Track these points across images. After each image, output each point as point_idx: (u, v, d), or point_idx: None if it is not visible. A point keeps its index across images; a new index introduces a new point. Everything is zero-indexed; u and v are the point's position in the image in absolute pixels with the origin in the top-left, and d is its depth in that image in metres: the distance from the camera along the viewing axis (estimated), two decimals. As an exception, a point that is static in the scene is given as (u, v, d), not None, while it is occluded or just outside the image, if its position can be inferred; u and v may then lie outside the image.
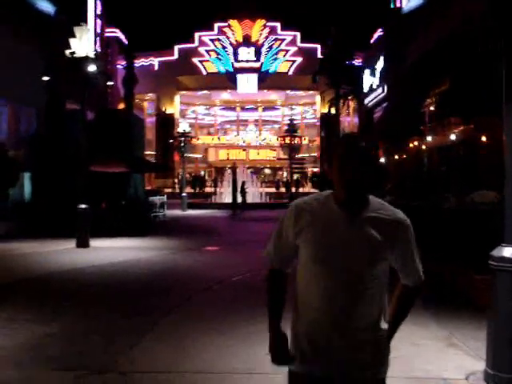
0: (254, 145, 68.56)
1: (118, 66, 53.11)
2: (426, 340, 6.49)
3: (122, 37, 53.97)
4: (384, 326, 2.46)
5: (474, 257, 7.81)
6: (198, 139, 65.48)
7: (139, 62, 56.77)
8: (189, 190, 44.83)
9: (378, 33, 40.24)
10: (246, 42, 63.99)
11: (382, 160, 28.92)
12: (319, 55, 54.27)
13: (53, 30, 24.10)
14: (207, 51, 63.60)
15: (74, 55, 14.45)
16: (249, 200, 33.95)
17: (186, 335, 6.71)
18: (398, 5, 35.59)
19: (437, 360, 5.82)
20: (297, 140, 50.81)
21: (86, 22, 29.53)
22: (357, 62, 45.04)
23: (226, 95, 68.70)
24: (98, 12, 47.83)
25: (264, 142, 68.68)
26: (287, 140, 47.05)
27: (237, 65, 63.90)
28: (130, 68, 44.79)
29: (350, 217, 2.37)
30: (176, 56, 62.53)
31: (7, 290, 9.52)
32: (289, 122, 52.65)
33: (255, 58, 64.16)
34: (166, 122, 59.71)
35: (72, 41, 14.50)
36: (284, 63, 64.21)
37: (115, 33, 53.07)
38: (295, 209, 2.48)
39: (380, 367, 2.46)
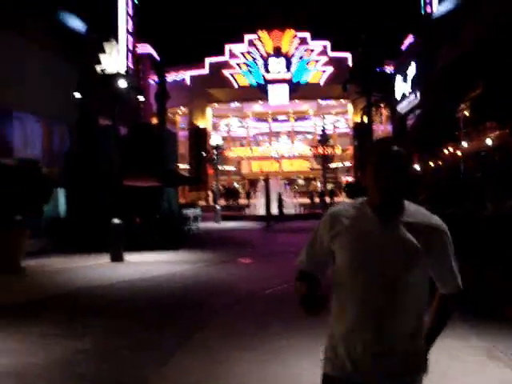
0: (286, 156, 68.41)
1: (150, 81, 53.72)
2: (465, 352, 6.27)
3: (154, 52, 54.57)
4: (422, 335, 2.41)
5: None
6: (230, 151, 65.72)
7: (171, 77, 57.37)
8: (222, 202, 44.92)
9: (409, 39, 39.93)
10: (277, 53, 64.10)
11: (417, 167, 28.55)
12: (350, 64, 54.12)
13: (84, 48, 24.50)
14: (238, 64, 63.90)
15: (105, 71, 14.60)
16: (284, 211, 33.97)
17: (218, 350, 6.62)
18: (428, 10, 35.30)
19: (476, 373, 5.62)
20: (329, 150, 50.69)
21: (117, 39, 29.94)
22: (388, 68, 44.70)
23: (257, 107, 68.80)
24: (130, 29, 48.56)
25: (297, 152, 68.51)
26: (320, 150, 46.97)
27: (268, 76, 64.02)
28: (162, 83, 45.21)
29: (384, 222, 2.35)
30: (207, 69, 62.99)
31: (40, 305, 9.58)
32: (321, 131, 52.59)
33: (286, 69, 64.19)
34: (198, 135, 60.12)
35: (102, 56, 14.67)
36: (315, 73, 64.08)
37: (147, 49, 53.71)
38: (331, 215, 2.47)
39: (415, 376, 2.40)
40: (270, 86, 63.68)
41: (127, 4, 48.39)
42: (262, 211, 34.01)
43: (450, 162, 22.99)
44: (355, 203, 2.48)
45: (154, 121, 48.16)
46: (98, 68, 14.76)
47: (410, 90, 34.68)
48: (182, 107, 62.66)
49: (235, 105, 67.28)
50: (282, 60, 64.15)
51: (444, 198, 18.53)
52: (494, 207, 12.29)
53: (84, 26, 27.04)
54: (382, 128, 53.77)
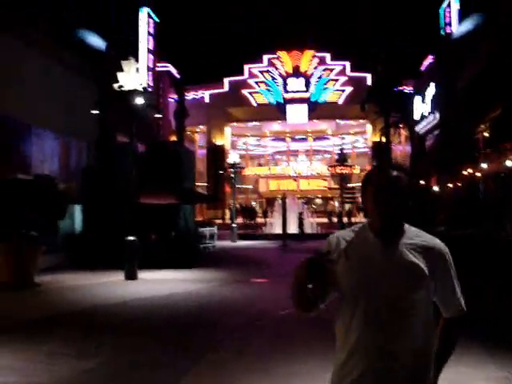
0: (304, 175, 68.33)
1: (169, 99, 54.08)
2: (483, 381, 6.06)
3: (174, 71, 54.97)
4: (429, 358, 2.36)
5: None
6: (248, 169, 65.77)
7: (190, 95, 57.70)
8: (240, 220, 44.85)
9: (429, 60, 39.83)
10: (296, 72, 64.20)
11: (436, 188, 28.29)
12: (369, 84, 54.05)
13: (103, 65, 24.76)
14: (257, 82, 64.14)
15: (122, 89, 14.68)
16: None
17: (230, 374, 6.52)
18: (448, 31, 35.22)
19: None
20: (347, 169, 50.50)
21: (137, 56, 30.27)
22: (406, 89, 44.56)
23: (276, 126, 68.91)
24: (150, 47, 49.10)
25: (315, 171, 68.39)
26: (338, 169, 46.76)
27: (286, 95, 64.11)
28: (181, 101, 45.52)
29: (385, 245, 2.37)
30: (226, 88, 63.28)
31: (53, 322, 9.53)
32: (339, 151, 52.44)
33: (305, 89, 64.21)
34: (216, 154, 60.26)
35: (120, 75, 14.75)
36: (334, 93, 64.05)
37: (167, 67, 54.16)
38: (333, 238, 2.51)
39: None
40: (288, 106, 63.77)
41: (148, 23, 49.03)
42: (278, 230, 33.88)
43: (468, 182, 22.74)
44: (357, 227, 2.50)
45: (173, 138, 48.42)
46: (116, 85, 14.83)
47: (429, 111, 34.52)
48: (200, 126, 62.94)
49: (253, 124, 67.47)
50: (301, 79, 64.22)
51: (463, 219, 18.30)
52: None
53: (103, 43, 27.33)
54: (401, 148, 53.52)
